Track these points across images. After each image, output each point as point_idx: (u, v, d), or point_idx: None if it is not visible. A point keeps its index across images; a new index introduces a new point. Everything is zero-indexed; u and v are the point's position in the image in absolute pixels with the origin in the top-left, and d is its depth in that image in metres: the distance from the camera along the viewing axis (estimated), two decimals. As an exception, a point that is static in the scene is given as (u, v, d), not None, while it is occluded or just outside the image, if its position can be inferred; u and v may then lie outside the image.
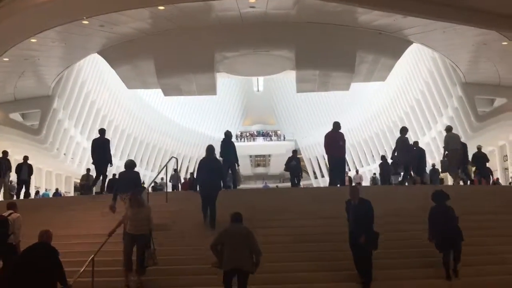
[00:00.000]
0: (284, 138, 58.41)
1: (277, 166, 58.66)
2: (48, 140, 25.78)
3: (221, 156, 12.08)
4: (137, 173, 9.97)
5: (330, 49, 17.54)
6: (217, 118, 53.06)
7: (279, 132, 59.58)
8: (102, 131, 12.86)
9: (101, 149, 12.44)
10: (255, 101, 60.35)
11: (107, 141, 12.81)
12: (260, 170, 60.34)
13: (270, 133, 59.93)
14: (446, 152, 13.24)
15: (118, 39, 17.44)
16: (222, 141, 12.52)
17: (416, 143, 14.80)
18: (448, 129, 13.75)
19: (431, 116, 32.89)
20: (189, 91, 20.35)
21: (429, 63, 28.87)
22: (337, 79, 19.17)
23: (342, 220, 9.67)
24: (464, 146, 13.91)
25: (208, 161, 9.64)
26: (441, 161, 14.39)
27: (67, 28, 15.63)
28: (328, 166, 19.32)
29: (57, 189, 30.03)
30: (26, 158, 14.37)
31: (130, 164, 9.93)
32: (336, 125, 12.09)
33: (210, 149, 9.85)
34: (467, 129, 25.89)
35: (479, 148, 15.64)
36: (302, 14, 16.31)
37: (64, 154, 30.07)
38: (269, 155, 59.61)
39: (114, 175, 17.71)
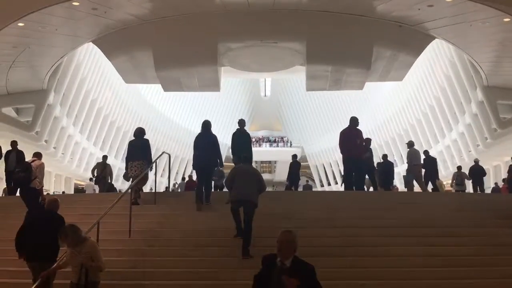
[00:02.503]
0: (291, 144, 57.33)
1: (283, 172, 57.48)
2: (43, 138, 24.61)
3: (232, 150, 10.32)
4: (147, 141, 9.78)
5: (345, 43, 15.96)
6: (223, 122, 52.18)
7: (285, 138, 58.55)
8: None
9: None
10: (261, 106, 59.49)
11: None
12: (266, 176, 58.92)
13: (277, 139, 58.81)
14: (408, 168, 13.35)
15: (113, 26, 16.01)
16: (235, 132, 10.55)
17: (385, 156, 14.66)
18: (411, 144, 13.85)
19: (446, 123, 31.45)
20: (191, 86, 18.82)
21: (446, 67, 27.42)
22: (351, 77, 17.56)
23: (362, 230, 8.22)
24: (433, 161, 13.95)
25: (202, 137, 9.25)
26: (404, 177, 14.64)
27: (57, 10, 14.22)
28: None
29: (63, 192, 28.79)
30: (14, 143, 12.33)
31: (140, 132, 9.85)
32: (353, 121, 10.52)
33: (205, 124, 9.40)
34: (487, 136, 24.32)
35: (476, 161, 16.20)
36: (315, 2, 14.78)
37: (62, 153, 28.92)
38: (275, 162, 58.40)
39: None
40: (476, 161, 16.20)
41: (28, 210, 7.86)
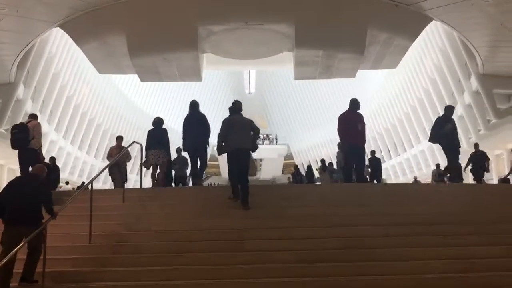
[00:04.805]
0: (276, 141, 56.44)
1: (269, 170, 56.46)
2: (12, 136, 22.85)
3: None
4: (165, 130, 10.09)
5: (337, 24, 14.61)
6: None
7: (271, 136, 57.71)
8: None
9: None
10: (246, 104, 57.02)
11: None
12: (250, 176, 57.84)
13: (262, 136, 57.94)
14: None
15: (82, 7, 14.46)
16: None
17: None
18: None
19: (436, 116, 30.59)
20: (170, 75, 17.29)
21: (437, 57, 26.56)
22: (343, 63, 16.24)
23: (368, 229, 6.93)
24: (378, 161, 14.80)
25: (191, 117, 9.34)
26: (333, 176, 15.18)
27: (14, -12, 12.70)
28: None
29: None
30: None
31: (158, 122, 10.16)
32: (354, 104, 9.17)
33: (193, 104, 9.53)
34: (480, 128, 23.37)
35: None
36: (305, -21, 13.53)
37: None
38: (261, 160, 57.22)
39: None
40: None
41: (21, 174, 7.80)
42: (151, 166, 9.96)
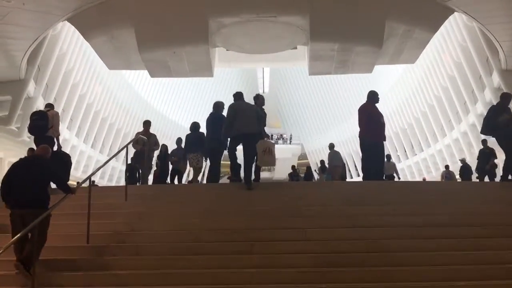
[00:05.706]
0: (290, 141, 56.01)
1: (283, 171, 55.93)
2: (23, 133, 22.64)
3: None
4: (202, 134, 10.43)
5: (354, 16, 13.93)
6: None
7: (284, 135, 57.30)
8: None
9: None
10: (260, 103, 57.97)
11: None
12: (265, 174, 57.27)
13: (276, 136, 57.53)
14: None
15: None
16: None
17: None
18: (331, 146, 15.14)
19: (454, 115, 29.78)
20: (180, 70, 16.81)
21: (456, 52, 25.72)
22: (359, 57, 15.55)
23: (392, 230, 6.33)
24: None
25: (212, 118, 9.45)
26: (324, 177, 15.80)
27: (21, -21, 12.32)
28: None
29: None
30: None
31: (194, 126, 10.72)
32: (373, 95, 8.52)
33: (217, 105, 9.61)
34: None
35: (463, 161, 17.10)
36: (320, -33, 12.90)
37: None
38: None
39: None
40: (463, 161, 17.21)
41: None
42: (192, 168, 10.82)
